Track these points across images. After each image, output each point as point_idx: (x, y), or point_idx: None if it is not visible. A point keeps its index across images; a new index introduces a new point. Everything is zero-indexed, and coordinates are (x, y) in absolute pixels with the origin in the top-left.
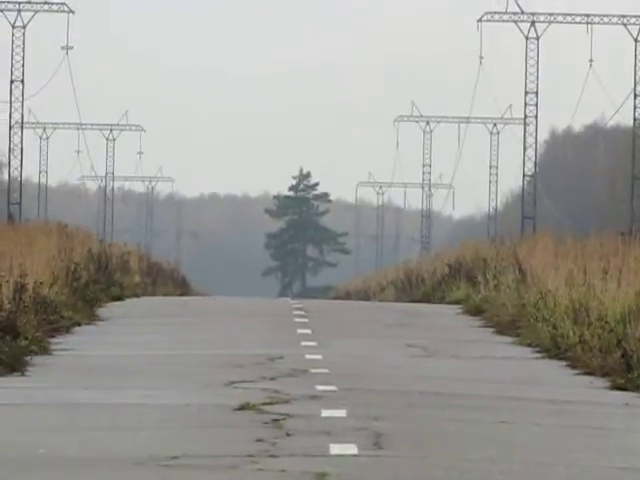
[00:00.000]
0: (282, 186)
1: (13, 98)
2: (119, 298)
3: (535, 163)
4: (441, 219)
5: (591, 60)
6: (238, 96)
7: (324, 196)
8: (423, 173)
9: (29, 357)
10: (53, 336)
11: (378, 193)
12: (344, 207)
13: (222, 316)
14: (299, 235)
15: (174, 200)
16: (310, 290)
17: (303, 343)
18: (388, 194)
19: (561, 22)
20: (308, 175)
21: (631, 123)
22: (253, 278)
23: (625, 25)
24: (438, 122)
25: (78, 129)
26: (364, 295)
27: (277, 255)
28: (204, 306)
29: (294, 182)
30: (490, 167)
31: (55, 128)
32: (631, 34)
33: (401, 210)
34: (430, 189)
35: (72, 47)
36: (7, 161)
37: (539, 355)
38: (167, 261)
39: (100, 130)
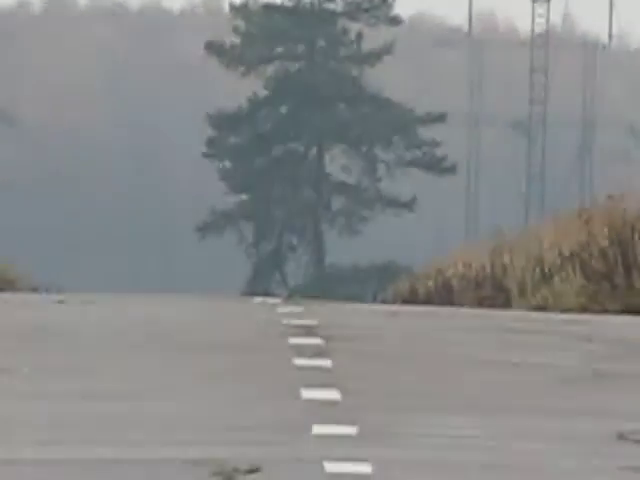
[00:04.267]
0: None
1: None
2: None
3: None
4: None
5: None
6: None
7: (379, 5)
8: None
9: None
10: None
11: (534, 0)
12: (432, 32)
13: (100, 351)
14: (305, 116)
15: None
16: (338, 275)
17: (317, 429)
18: (565, 3)
19: None
20: None
21: None
22: (176, 240)
23: None
24: None
25: None
26: (494, 290)
27: (241, 178)
28: (46, 322)
29: None
30: None
31: None
32: None
33: (600, 49)
34: None
35: None
36: None
37: None
38: None
39: None
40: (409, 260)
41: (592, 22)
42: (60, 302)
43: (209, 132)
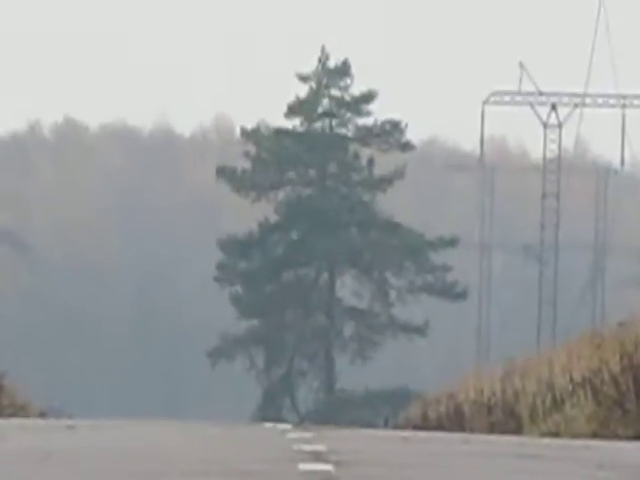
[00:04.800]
0: (269, 104)
1: None
2: None
3: None
4: None
5: None
6: None
7: (391, 131)
8: None
9: None
10: None
11: (546, 126)
12: (444, 157)
13: (107, 478)
14: (316, 242)
15: None
16: (349, 400)
17: None
18: (577, 128)
19: None
20: (346, 71)
21: None
22: (186, 365)
23: None
24: None
25: None
26: (505, 416)
27: (252, 303)
28: (54, 448)
29: (307, 87)
30: None
31: None
32: None
33: (612, 174)
34: None
35: None
36: None
37: None
38: None
39: None
40: (420, 385)
41: (604, 147)
42: (70, 428)
43: (220, 257)
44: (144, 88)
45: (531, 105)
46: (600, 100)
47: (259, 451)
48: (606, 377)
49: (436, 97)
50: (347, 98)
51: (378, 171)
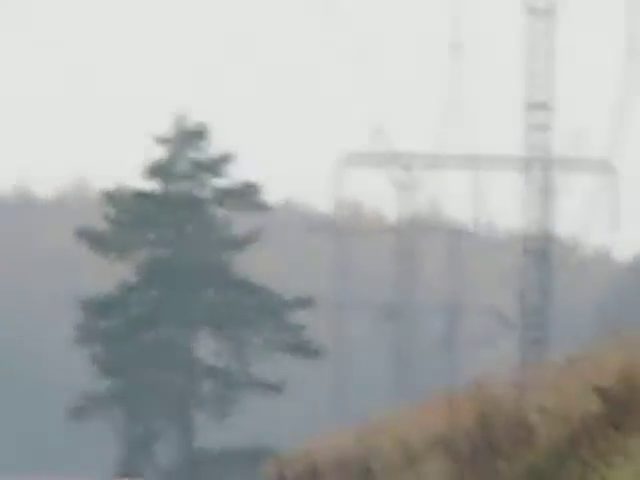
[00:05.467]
0: (127, 166)
1: None
2: None
3: None
4: (592, 261)
5: None
6: None
7: (247, 192)
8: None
9: None
10: None
11: (400, 187)
12: (300, 218)
13: None
14: (174, 302)
15: None
16: (207, 459)
17: None
18: (431, 189)
19: None
20: (203, 133)
21: None
22: (47, 425)
23: None
24: None
25: None
26: (360, 473)
27: (112, 363)
28: None
29: (164, 149)
30: None
31: None
32: None
33: (466, 236)
34: (548, 176)
35: None
36: None
37: None
38: None
39: None
40: (279, 442)
41: (459, 210)
42: None
43: (80, 317)
44: (2, 151)
45: (385, 166)
46: (453, 161)
47: None
48: (460, 435)
49: (293, 159)
50: (204, 160)
51: (235, 231)
